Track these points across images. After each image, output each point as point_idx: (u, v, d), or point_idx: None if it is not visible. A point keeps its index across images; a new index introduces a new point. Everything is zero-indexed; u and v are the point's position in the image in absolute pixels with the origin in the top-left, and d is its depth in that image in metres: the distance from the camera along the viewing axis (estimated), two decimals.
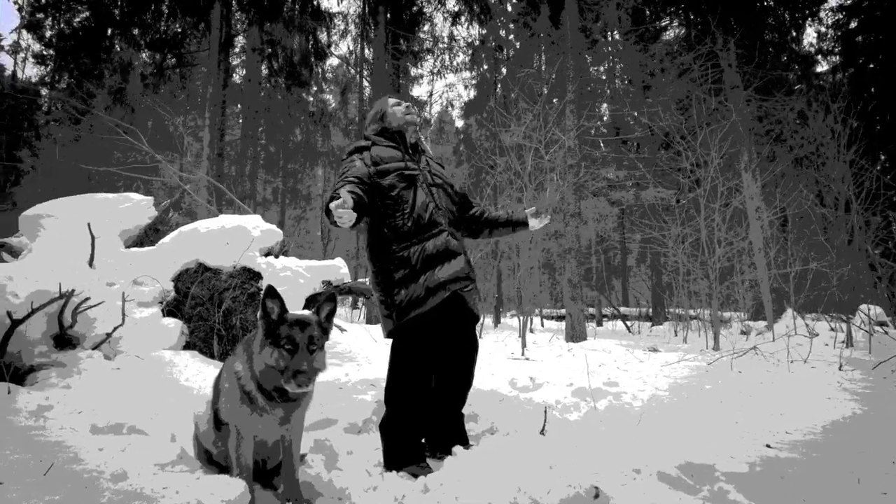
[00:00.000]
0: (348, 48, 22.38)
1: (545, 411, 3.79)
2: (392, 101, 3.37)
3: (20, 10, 24.44)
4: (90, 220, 5.01)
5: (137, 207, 5.55)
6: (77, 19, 20.93)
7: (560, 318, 21.76)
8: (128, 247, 5.38)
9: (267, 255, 5.25)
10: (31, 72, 30.56)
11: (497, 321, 19.09)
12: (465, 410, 4.18)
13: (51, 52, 22.90)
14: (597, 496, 2.24)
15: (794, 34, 18.92)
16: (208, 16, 13.69)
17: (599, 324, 19.11)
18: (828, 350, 7.87)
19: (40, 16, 22.69)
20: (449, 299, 2.95)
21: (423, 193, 3.06)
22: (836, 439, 3.20)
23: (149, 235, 5.59)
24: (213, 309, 4.96)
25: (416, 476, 2.85)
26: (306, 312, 2.41)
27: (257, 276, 5.05)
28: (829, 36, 20.33)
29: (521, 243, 11.13)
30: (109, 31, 19.30)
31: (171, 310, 5.00)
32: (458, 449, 3.03)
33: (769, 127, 13.28)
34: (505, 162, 9.46)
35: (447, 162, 22.44)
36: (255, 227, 5.19)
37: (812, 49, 20.34)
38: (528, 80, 11.91)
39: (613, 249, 22.98)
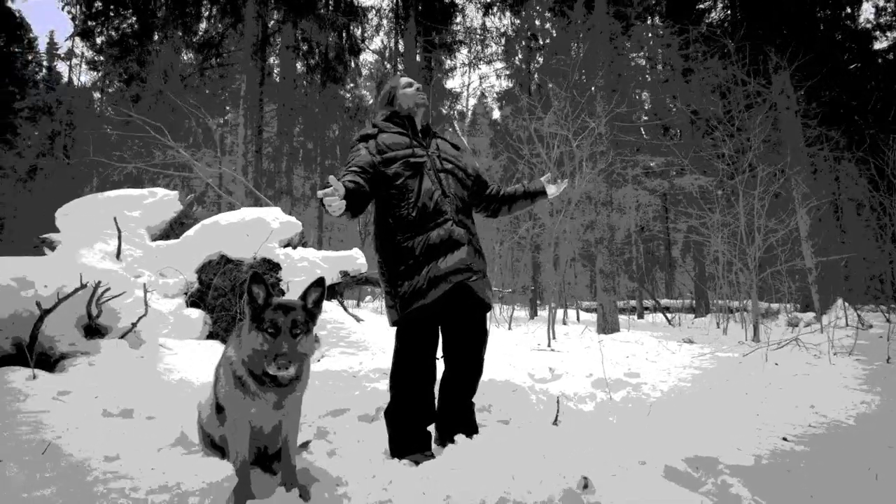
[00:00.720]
0: (382, 42, 22.53)
1: (558, 402, 3.72)
2: (404, 80, 3.27)
3: (73, 18, 25.70)
4: (119, 215, 5.20)
5: (162, 202, 5.73)
6: (124, 25, 21.85)
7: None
8: (154, 240, 5.56)
9: (287, 246, 5.32)
10: (85, 77, 32.14)
11: (533, 313, 18.87)
12: (479, 401, 4.14)
13: (101, 57, 24.03)
14: (586, 486, 2.16)
15: (850, 10, 17.85)
16: (243, 16, 14.00)
17: (640, 316, 18.63)
18: (880, 342, 7.42)
19: (92, 23, 23.78)
20: (454, 289, 2.90)
21: (430, 181, 2.99)
22: (863, 433, 3.00)
23: (174, 229, 5.77)
24: (234, 299, 5.07)
25: (418, 464, 2.84)
26: (295, 299, 2.42)
27: (277, 266, 5.13)
28: (888, 10, 19.09)
29: (559, 233, 10.97)
30: (156, 36, 20.09)
31: (194, 300, 5.14)
32: (459, 437, 2.99)
33: (819, 109, 12.57)
34: (531, 150, 9.29)
35: (483, 154, 22.26)
36: (275, 218, 5.27)
37: (869, 25, 19.14)
38: (559, 68, 11.63)
39: (656, 240, 22.33)
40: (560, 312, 15.86)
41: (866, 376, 5.02)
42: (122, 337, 4.57)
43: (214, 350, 4.86)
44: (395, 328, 3.08)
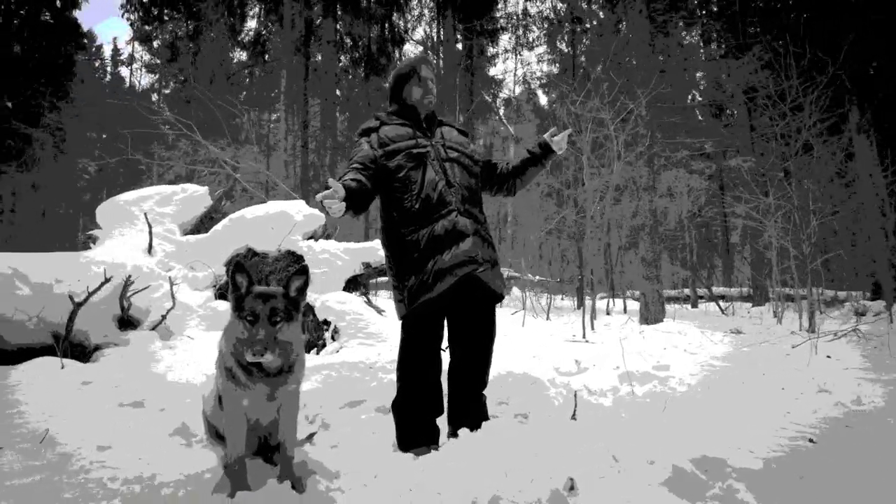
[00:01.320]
0: (425, 32, 22.42)
1: (575, 396, 3.58)
2: (421, 74, 3.09)
3: (132, 25, 27.03)
4: (152, 211, 5.39)
5: (192, 198, 5.91)
6: (177, 28, 22.83)
7: (667, 299, 20.78)
8: (185, 234, 5.74)
9: (311, 238, 5.37)
10: (144, 81, 33.70)
11: (580, 303, 18.44)
12: (497, 394, 4.06)
13: (157, 60, 25.22)
14: (572, 488, 2.05)
15: None
16: (282, 13, 14.30)
17: (694, 305, 17.89)
18: None
19: (148, 28, 24.97)
20: (461, 281, 2.82)
21: (433, 171, 2.91)
22: None
23: (204, 223, 5.93)
24: None
25: (419, 457, 2.82)
26: (277, 287, 2.41)
27: (300, 259, 5.18)
28: None
29: (611, 221, 10.68)
30: (209, 38, 20.88)
31: (222, 293, 5.26)
32: (463, 431, 2.95)
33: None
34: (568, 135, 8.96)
35: (529, 143, 21.84)
36: (298, 211, 5.33)
37: None
38: (602, 50, 11.23)
39: (712, 225, 21.28)
40: (606, 302, 15.46)
41: None
42: (152, 329, 4.75)
43: None
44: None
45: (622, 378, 4.36)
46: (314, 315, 4.80)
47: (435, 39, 21.43)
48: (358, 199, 2.71)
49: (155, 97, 28.43)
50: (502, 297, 3.15)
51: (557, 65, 20.93)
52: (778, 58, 8.92)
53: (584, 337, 7.26)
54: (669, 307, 15.04)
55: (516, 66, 23.32)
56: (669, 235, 14.22)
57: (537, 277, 20.97)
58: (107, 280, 4.08)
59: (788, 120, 8.52)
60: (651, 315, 9.54)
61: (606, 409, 3.59)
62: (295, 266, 5.28)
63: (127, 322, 4.76)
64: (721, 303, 15.26)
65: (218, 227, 5.47)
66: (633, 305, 17.75)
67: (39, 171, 19.41)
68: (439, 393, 3.10)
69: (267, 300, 2.27)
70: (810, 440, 2.60)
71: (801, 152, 8.17)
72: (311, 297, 4.92)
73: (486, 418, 3.22)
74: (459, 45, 18.57)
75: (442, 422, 3.06)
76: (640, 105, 8.59)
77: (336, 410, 3.76)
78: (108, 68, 36.44)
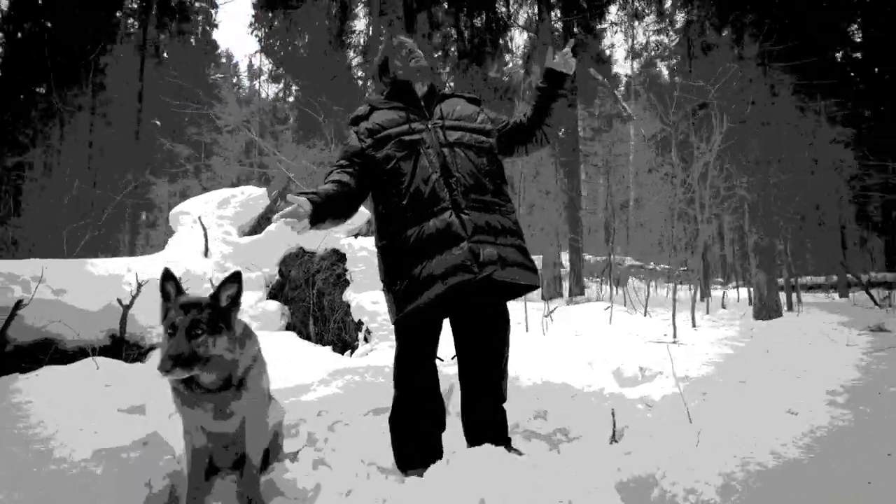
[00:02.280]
0: (528, 15, 21.64)
1: (613, 414, 3.06)
2: (395, 42, 2.83)
3: (259, 41, 29.45)
4: (213, 213, 5.59)
5: (251, 199, 6.05)
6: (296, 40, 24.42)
7: (811, 287, 18.59)
8: (243, 235, 5.89)
9: (356, 235, 5.26)
10: (270, 90, 36.38)
11: (702, 294, 16.74)
12: (534, 406, 3.71)
13: (280, 70, 27.30)
14: None
15: None
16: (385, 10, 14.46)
17: (843, 295, 15.40)
18: None
19: (271, 41, 27.04)
20: (456, 287, 2.44)
21: (426, 161, 2.55)
22: None
23: (261, 224, 6.04)
24: (308, 290, 5.13)
25: (404, 481, 2.59)
26: (203, 297, 2.21)
27: (343, 257, 5.08)
28: None
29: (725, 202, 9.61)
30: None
31: (273, 293, 5.31)
32: (457, 455, 2.63)
33: None
34: (663, 108, 8.07)
35: (640, 122, 20.24)
36: None
37: None
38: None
39: (867, 201, 18.11)
40: (722, 293, 13.93)
41: None
42: None
43: (290, 341, 4.98)
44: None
45: (689, 391, 3.66)
46: (350, 316, 4.67)
47: (536, 22, 20.60)
48: (335, 206, 2.46)
49: (278, 105, 30.68)
50: (531, 288, 2.69)
51: (671, 34, 19.13)
52: None
53: (674, 337, 6.37)
54: (806, 297, 13.08)
55: (633, 39, 21.80)
56: (789, 217, 12.16)
57: (661, 266, 19.51)
58: (141, 285, 4.23)
59: None
60: (766, 309, 8.22)
61: (657, 428, 2.97)
62: (339, 265, 5.19)
63: None
64: (877, 291, 12.87)
65: (271, 227, 5.54)
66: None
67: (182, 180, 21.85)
68: (437, 406, 2.77)
69: (188, 311, 2.09)
70: None
71: None
72: (348, 296, 4.79)
73: (504, 436, 2.84)
74: (559, 24, 17.67)
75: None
76: (749, 65, 7.39)
77: (359, 417, 3.57)
78: (246, 82, 40.19)
